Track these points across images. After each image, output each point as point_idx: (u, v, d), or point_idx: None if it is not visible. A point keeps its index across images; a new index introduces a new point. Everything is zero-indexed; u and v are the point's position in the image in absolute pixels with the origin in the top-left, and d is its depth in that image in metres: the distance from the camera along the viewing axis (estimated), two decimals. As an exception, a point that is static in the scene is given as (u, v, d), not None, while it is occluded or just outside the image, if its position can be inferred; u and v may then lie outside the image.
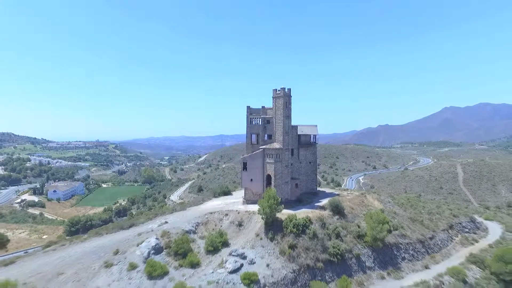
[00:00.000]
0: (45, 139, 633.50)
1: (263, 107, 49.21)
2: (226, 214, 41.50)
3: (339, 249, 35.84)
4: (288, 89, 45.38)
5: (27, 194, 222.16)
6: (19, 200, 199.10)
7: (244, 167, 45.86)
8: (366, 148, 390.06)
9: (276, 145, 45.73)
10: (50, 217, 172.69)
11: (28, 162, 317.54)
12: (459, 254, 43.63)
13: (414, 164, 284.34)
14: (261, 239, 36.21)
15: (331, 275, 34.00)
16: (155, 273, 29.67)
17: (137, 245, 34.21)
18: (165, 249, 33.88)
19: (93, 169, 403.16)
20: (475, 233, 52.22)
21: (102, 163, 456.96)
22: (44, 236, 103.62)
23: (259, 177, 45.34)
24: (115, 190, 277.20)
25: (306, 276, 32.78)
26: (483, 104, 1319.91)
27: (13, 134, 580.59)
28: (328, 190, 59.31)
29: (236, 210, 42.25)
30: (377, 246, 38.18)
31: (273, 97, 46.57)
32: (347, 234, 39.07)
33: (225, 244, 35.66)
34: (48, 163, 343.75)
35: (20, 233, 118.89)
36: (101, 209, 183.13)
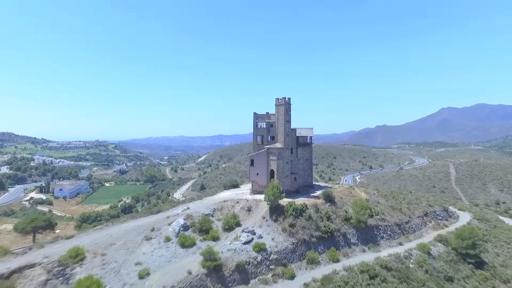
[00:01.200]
0: (45, 139, 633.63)
1: (267, 113, 58.22)
2: (237, 202, 50.34)
3: (329, 228, 44.80)
4: (288, 98, 54.41)
5: (34, 192, 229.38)
6: (27, 198, 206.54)
7: (252, 163, 54.80)
8: (363, 149, 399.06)
9: (278, 145, 54.70)
10: (59, 214, 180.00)
11: (32, 162, 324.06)
12: (429, 236, 52.73)
13: (409, 164, 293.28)
14: (266, 220, 45.07)
15: (322, 247, 42.92)
16: (187, 243, 38.46)
17: (168, 224, 42.95)
18: (191, 227, 42.64)
19: (95, 168, 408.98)
20: (446, 220, 61.45)
21: (103, 163, 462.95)
22: (57, 231, 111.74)
23: (264, 171, 54.28)
24: (118, 189, 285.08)
25: (303, 248, 41.70)
26: (480, 105, 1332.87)
27: (13, 134, 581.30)
28: (322, 184, 68.34)
29: (245, 199, 51.12)
30: (360, 227, 47.19)
31: (275, 105, 55.64)
32: (336, 217, 48.03)
33: (238, 224, 44.45)
34: (51, 162, 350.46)
35: None
36: (106, 206, 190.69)
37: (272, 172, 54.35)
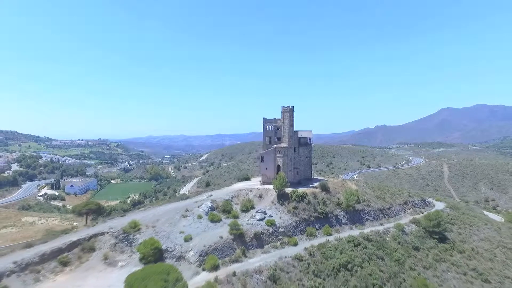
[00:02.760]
0: (47, 137, 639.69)
1: (274, 118, 70.22)
2: (250, 190, 62.21)
3: (324, 211, 56.72)
4: (292, 106, 66.46)
5: (46, 188, 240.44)
6: (41, 194, 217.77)
7: (262, 160, 66.74)
8: (361, 148, 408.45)
9: (283, 144, 66.63)
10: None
11: (40, 160, 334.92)
12: (406, 219, 64.75)
13: (406, 164, 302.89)
14: (275, 204, 56.95)
15: (319, 225, 54.82)
16: (215, 219, 50.30)
17: (198, 207, 54.77)
18: (216, 209, 54.48)
19: (99, 166, 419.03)
20: (423, 208, 73.50)
21: (106, 161, 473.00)
22: (75, 223, 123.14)
23: (272, 166, 66.17)
24: (124, 186, 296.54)
25: (303, 224, 53.61)
26: (480, 106, 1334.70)
27: (16, 132, 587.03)
28: (319, 178, 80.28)
29: (257, 188, 62.98)
30: (349, 210, 59.18)
31: (281, 112, 67.72)
32: (330, 203, 59.97)
33: (252, 207, 56.25)
34: (58, 160, 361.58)
35: (52, 221, 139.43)
36: (115, 202, 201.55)
37: (278, 167, 66.24)
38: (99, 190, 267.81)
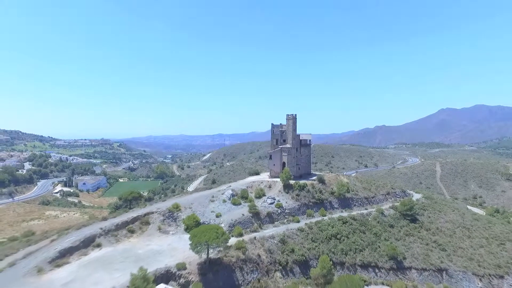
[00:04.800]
0: (51, 137, 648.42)
1: (280, 124, 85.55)
2: (261, 182, 77.38)
3: (320, 198, 71.98)
4: (294, 114, 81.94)
5: (59, 186, 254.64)
6: (56, 191, 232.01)
7: (270, 157, 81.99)
8: (360, 148, 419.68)
9: (288, 145, 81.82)
10: (87, 204, 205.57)
11: (50, 159, 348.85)
12: (387, 205, 79.96)
13: (402, 163, 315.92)
14: (281, 192, 72.09)
15: (316, 208, 70.01)
16: (236, 203, 65.43)
17: (222, 194, 69.83)
18: (236, 195, 69.54)
19: (104, 165, 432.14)
20: (402, 198, 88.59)
21: (111, 160, 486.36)
22: (97, 216, 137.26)
23: (279, 163, 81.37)
24: (132, 184, 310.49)
25: (304, 208, 68.81)
26: (479, 106, 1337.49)
27: (20, 132, 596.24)
28: (317, 173, 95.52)
29: (267, 180, 78.20)
30: (341, 198, 74.47)
31: (286, 119, 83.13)
32: (325, 192, 75.22)
33: (263, 194, 71.32)
34: (67, 159, 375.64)
35: (73, 214, 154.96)
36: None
37: (284, 163, 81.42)
38: (109, 188, 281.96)
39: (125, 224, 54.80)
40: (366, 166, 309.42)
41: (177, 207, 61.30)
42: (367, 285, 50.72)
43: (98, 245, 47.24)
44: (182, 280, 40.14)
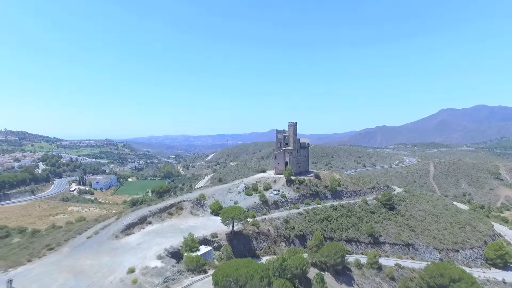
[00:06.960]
0: (56, 138, 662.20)
1: (283, 129, 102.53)
2: (268, 178, 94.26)
3: (316, 190, 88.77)
4: (295, 122, 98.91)
5: (74, 184, 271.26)
6: (73, 188, 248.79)
7: (275, 157, 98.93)
8: (359, 149, 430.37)
9: (290, 148, 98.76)
10: (103, 201, 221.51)
11: (61, 159, 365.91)
12: (371, 197, 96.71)
13: (399, 163, 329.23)
14: (284, 186, 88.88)
15: (312, 199, 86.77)
16: (249, 193, 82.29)
17: (237, 187, 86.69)
18: (248, 188, 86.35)
19: (111, 165, 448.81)
20: (385, 191, 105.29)
21: (117, 161, 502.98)
22: (113, 211, 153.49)
23: (282, 162, 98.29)
24: (141, 183, 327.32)
25: (303, 198, 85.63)
26: (479, 106, 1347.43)
27: (27, 132, 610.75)
28: (315, 171, 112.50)
29: (272, 177, 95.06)
30: (333, 190, 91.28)
31: (288, 126, 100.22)
32: (320, 185, 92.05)
33: (270, 187, 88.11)
34: (77, 159, 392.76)
35: (93, 210, 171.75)
36: (137, 196, 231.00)
37: (286, 162, 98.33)
38: (120, 186, 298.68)
39: (165, 209, 71.61)
40: (364, 166, 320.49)
41: (203, 197, 78.13)
42: (350, 254, 67.37)
43: (150, 222, 64.09)
44: (215, 244, 56.86)
